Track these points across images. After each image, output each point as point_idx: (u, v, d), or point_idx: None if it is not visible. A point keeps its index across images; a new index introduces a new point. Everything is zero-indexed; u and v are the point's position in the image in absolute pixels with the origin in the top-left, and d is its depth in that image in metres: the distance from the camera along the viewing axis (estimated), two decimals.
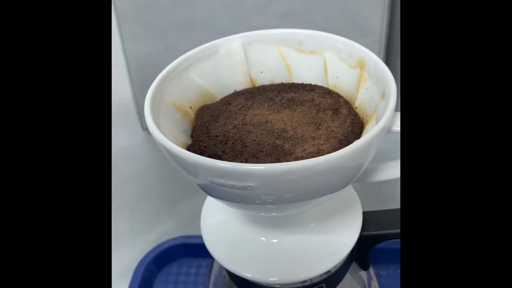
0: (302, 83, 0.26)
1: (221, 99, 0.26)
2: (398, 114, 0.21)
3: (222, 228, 0.27)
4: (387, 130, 0.21)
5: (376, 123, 0.20)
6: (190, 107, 0.25)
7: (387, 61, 0.52)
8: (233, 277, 0.26)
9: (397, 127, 0.21)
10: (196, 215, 0.29)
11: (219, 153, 0.22)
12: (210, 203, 0.29)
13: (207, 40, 0.27)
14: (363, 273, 0.31)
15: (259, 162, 0.21)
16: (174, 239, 0.44)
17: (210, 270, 0.34)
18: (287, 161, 0.21)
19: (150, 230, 0.48)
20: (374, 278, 0.32)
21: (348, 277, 0.29)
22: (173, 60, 0.25)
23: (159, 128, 0.21)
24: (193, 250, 0.44)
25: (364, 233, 0.27)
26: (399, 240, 0.27)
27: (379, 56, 0.24)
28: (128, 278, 0.41)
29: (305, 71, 0.27)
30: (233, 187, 0.19)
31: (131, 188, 0.53)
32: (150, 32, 0.53)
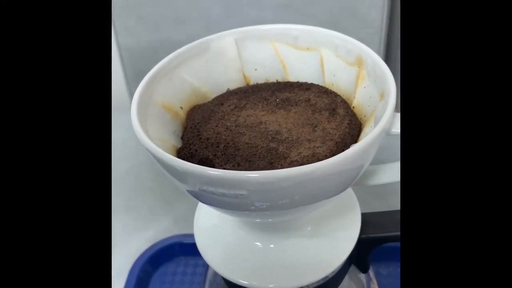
0: (298, 82, 0.25)
1: (213, 99, 0.25)
2: (398, 115, 0.20)
3: (216, 232, 0.26)
4: (386, 132, 0.20)
5: (375, 124, 0.19)
6: (181, 107, 0.24)
7: (387, 54, 0.51)
8: (229, 283, 0.26)
9: (396, 129, 0.20)
10: (193, 213, 0.28)
11: (211, 156, 0.21)
12: (204, 205, 0.28)
13: (202, 33, 0.26)
14: (362, 275, 0.30)
15: (252, 166, 0.20)
16: (170, 237, 0.44)
17: (207, 270, 0.33)
18: (281, 165, 0.20)
19: (145, 228, 0.47)
20: (374, 280, 0.31)
21: (346, 279, 0.28)
22: (168, 54, 0.24)
23: (146, 131, 0.20)
24: (189, 248, 0.43)
25: (363, 236, 0.26)
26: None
27: (379, 49, 0.23)
28: (124, 278, 0.41)
29: (301, 69, 0.26)
30: (223, 195, 0.18)
31: (125, 185, 0.52)
32: (144, 26, 0.52)
